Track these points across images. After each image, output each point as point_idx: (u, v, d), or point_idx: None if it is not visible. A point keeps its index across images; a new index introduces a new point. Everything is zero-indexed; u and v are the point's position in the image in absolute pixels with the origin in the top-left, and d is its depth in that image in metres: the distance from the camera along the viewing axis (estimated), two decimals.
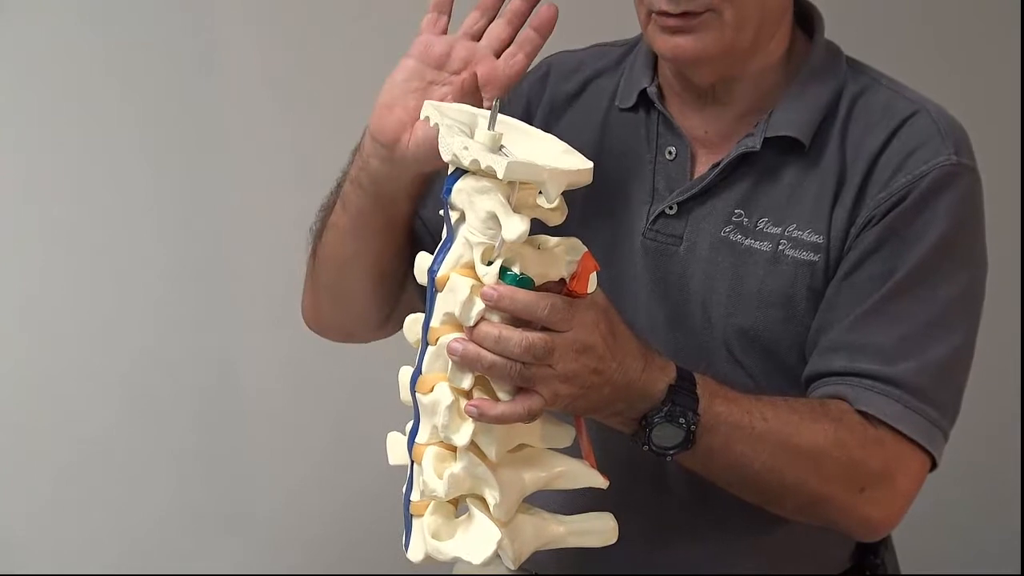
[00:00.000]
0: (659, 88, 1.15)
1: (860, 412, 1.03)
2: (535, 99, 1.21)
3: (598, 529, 0.99)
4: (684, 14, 1.03)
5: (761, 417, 0.99)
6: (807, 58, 1.12)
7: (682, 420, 0.95)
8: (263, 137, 1.91)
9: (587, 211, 1.13)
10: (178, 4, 1.84)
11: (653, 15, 1.05)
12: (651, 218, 1.12)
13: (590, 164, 0.91)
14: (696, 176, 1.12)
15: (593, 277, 0.92)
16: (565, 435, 0.97)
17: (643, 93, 1.15)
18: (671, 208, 1.11)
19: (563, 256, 0.92)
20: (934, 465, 1.06)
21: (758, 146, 1.08)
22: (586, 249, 0.92)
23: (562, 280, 0.92)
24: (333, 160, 1.93)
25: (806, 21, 1.14)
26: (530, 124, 0.99)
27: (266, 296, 1.96)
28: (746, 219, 1.09)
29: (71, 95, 1.81)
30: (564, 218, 0.94)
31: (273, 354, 1.97)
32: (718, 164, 1.09)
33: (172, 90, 1.86)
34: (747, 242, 1.09)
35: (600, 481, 0.98)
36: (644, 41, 1.14)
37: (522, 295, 0.88)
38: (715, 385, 0.99)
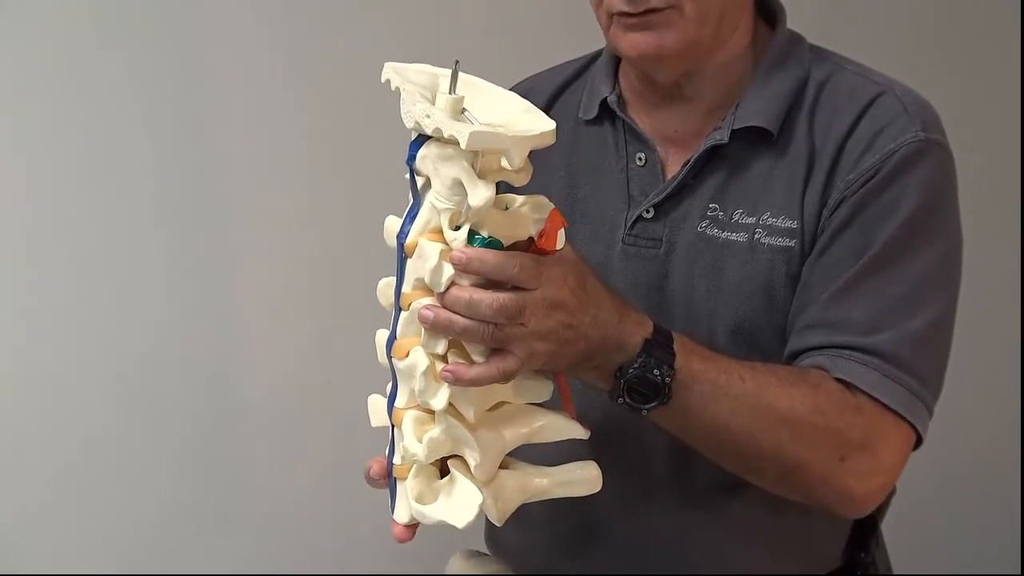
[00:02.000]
0: (621, 96, 1.16)
1: (839, 381, 1.02)
2: None
3: (582, 479, 0.99)
4: (645, 12, 1.04)
5: (739, 378, 0.99)
6: (770, 48, 1.12)
7: (656, 372, 0.95)
8: (264, 138, 1.91)
9: (568, 224, 1.13)
10: (178, 4, 1.84)
11: (614, 17, 1.06)
12: (629, 224, 1.13)
13: (552, 125, 0.91)
14: (669, 177, 1.12)
15: (561, 233, 0.92)
16: (543, 389, 0.97)
17: (604, 102, 1.15)
18: (648, 211, 1.12)
19: (530, 215, 0.92)
20: (919, 443, 1.05)
21: (726, 138, 1.08)
22: (552, 206, 0.93)
23: (531, 239, 0.92)
24: (335, 161, 1.94)
25: (768, 13, 1.15)
26: None
27: (266, 296, 1.96)
28: (721, 212, 1.09)
29: (71, 95, 1.81)
30: (529, 178, 0.94)
31: (272, 354, 1.97)
32: (688, 161, 1.10)
33: (173, 90, 1.86)
34: (724, 235, 1.09)
35: (581, 432, 0.98)
36: (606, 50, 1.16)
37: (491, 256, 0.88)
38: (692, 344, 0.99)
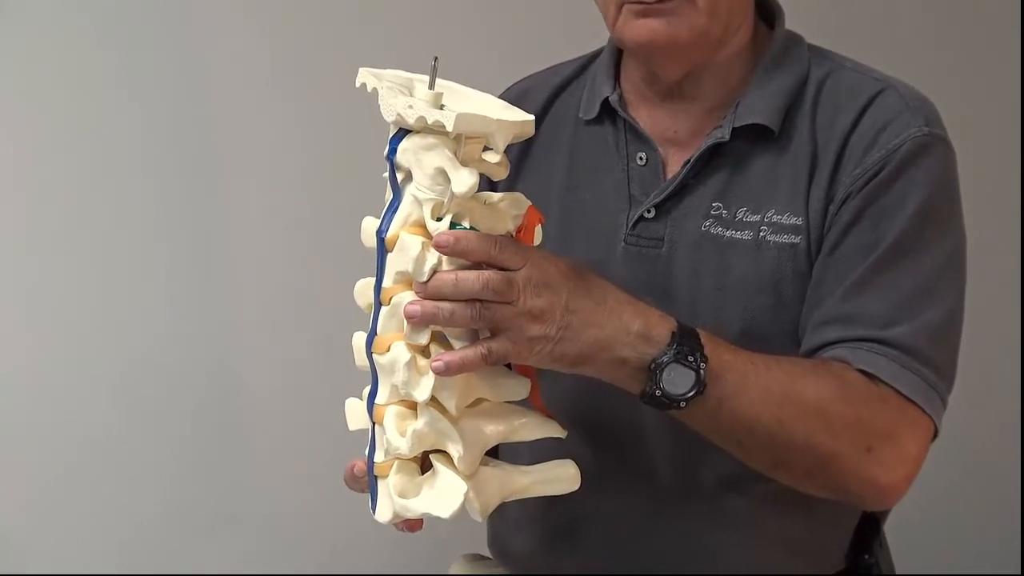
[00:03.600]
0: (622, 96, 1.16)
1: (860, 372, 1.02)
2: None
3: (561, 476, 0.99)
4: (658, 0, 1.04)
5: (765, 367, 0.98)
6: (769, 48, 1.13)
7: (691, 359, 0.94)
8: (264, 139, 1.91)
9: (567, 225, 1.14)
10: (178, 4, 1.84)
11: (624, 6, 1.06)
12: (630, 224, 1.12)
13: (532, 117, 0.93)
14: (670, 176, 1.12)
15: (539, 230, 0.94)
16: (520, 387, 0.97)
17: (605, 102, 1.15)
18: (649, 211, 1.12)
19: (508, 211, 0.93)
20: (935, 435, 1.05)
21: (727, 136, 1.08)
22: (529, 203, 0.94)
23: (509, 234, 0.94)
24: (335, 161, 1.94)
25: (767, 13, 1.16)
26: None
27: (265, 296, 1.96)
28: (725, 211, 1.09)
29: (71, 96, 1.81)
30: (507, 172, 0.96)
31: (272, 354, 1.97)
32: (689, 160, 1.10)
33: (172, 92, 1.86)
34: (728, 234, 1.09)
35: (558, 430, 0.99)
36: (607, 49, 1.16)
37: (474, 235, 0.89)
38: (716, 337, 0.99)
